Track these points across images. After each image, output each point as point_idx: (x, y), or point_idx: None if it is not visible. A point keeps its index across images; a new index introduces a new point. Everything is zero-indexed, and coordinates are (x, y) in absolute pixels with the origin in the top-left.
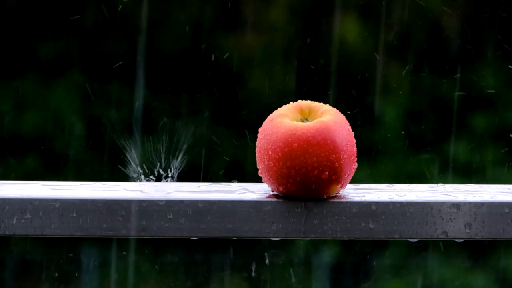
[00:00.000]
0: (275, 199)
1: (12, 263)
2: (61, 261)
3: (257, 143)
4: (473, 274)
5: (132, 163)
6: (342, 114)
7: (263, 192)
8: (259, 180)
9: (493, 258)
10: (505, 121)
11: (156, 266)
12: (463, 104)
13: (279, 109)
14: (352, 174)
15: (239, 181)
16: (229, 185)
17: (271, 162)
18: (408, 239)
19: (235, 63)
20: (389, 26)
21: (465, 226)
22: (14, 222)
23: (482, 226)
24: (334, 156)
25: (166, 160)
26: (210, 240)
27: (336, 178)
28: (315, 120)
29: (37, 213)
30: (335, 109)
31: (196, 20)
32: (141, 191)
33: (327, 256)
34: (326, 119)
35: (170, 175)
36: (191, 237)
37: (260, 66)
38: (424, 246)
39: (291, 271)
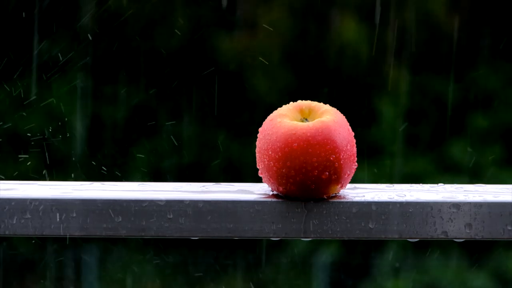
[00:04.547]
0: (275, 199)
1: (11, 262)
2: (61, 260)
3: (257, 143)
4: (473, 274)
5: (133, 162)
6: (342, 114)
7: (263, 192)
8: (259, 180)
9: (493, 258)
10: (505, 121)
11: (155, 266)
12: (463, 104)
13: (279, 109)
14: (352, 174)
15: (238, 181)
16: (229, 185)
17: (271, 162)
18: (408, 239)
19: (235, 63)
20: (389, 26)
21: (465, 226)
22: (14, 222)
23: (482, 226)
24: (334, 156)
25: (166, 160)
26: (210, 240)
27: (336, 178)
28: (315, 120)
29: (37, 213)
30: (335, 109)
31: (196, 20)
32: (141, 191)
33: (327, 256)
34: (326, 119)
35: (170, 174)
36: (191, 237)
37: (260, 66)
38: (424, 246)
39: (291, 271)
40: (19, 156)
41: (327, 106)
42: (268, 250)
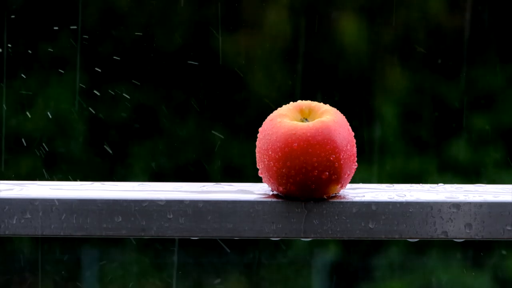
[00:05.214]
0: (275, 199)
1: (11, 262)
2: (61, 260)
3: (257, 143)
4: (473, 274)
5: (132, 162)
6: (342, 114)
7: (263, 192)
8: (259, 180)
9: (493, 258)
10: (505, 121)
11: (155, 265)
12: (463, 104)
13: (279, 109)
14: (352, 174)
15: (238, 181)
16: (229, 185)
17: (271, 162)
18: (408, 239)
19: (235, 63)
20: (389, 26)
21: (465, 226)
22: (14, 222)
23: (482, 226)
24: (334, 156)
25: (166, 160)
26: (210, 240)
27: (336, 178)
28: (315, 120)
29: (37, 213)
30: (335, 109)
31: (196, 20)
32: (141, 191)
33: (327, 256)
34: (326, 119)
35: (170, 174)
36: (191, 237)
37: (260, 66)
38: (424, 246)
39: (291, 271)
40: (19, 155)
41: (327, 106)
42: (268, 250)
